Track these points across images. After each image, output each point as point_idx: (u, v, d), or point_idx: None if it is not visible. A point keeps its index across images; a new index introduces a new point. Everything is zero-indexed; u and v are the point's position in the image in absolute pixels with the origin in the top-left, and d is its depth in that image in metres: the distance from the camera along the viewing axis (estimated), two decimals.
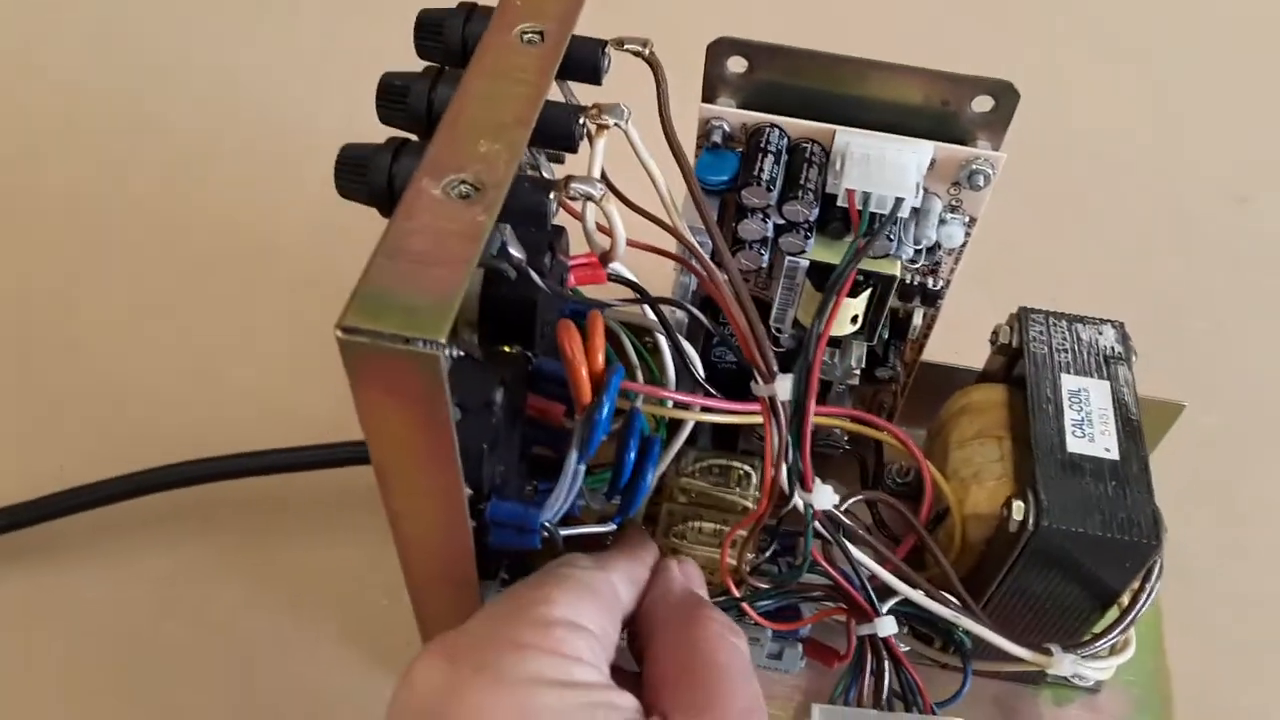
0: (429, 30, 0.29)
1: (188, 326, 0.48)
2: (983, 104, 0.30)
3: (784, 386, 0.26)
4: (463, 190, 0.23)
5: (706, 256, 0.27)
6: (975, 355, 0.39)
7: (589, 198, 0.25)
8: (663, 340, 0.33)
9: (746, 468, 0.35)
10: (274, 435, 0.41)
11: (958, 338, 0.39)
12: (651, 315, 0.32)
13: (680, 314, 0.37)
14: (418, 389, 0.21)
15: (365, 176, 0.25)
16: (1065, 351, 0.34)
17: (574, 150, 0.27)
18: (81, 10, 0.63)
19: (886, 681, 0.31)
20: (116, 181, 0.55)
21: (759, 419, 0.30)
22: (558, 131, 0.27)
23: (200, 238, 0.52)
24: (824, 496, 0.28)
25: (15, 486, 0.39)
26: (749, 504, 0.34)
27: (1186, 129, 0.62)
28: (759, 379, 0.27)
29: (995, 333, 0.35)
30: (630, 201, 0.28)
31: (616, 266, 0.30)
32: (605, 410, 0.26)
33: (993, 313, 0.37)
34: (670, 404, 0.30)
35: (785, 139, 0.31)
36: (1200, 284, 0.54)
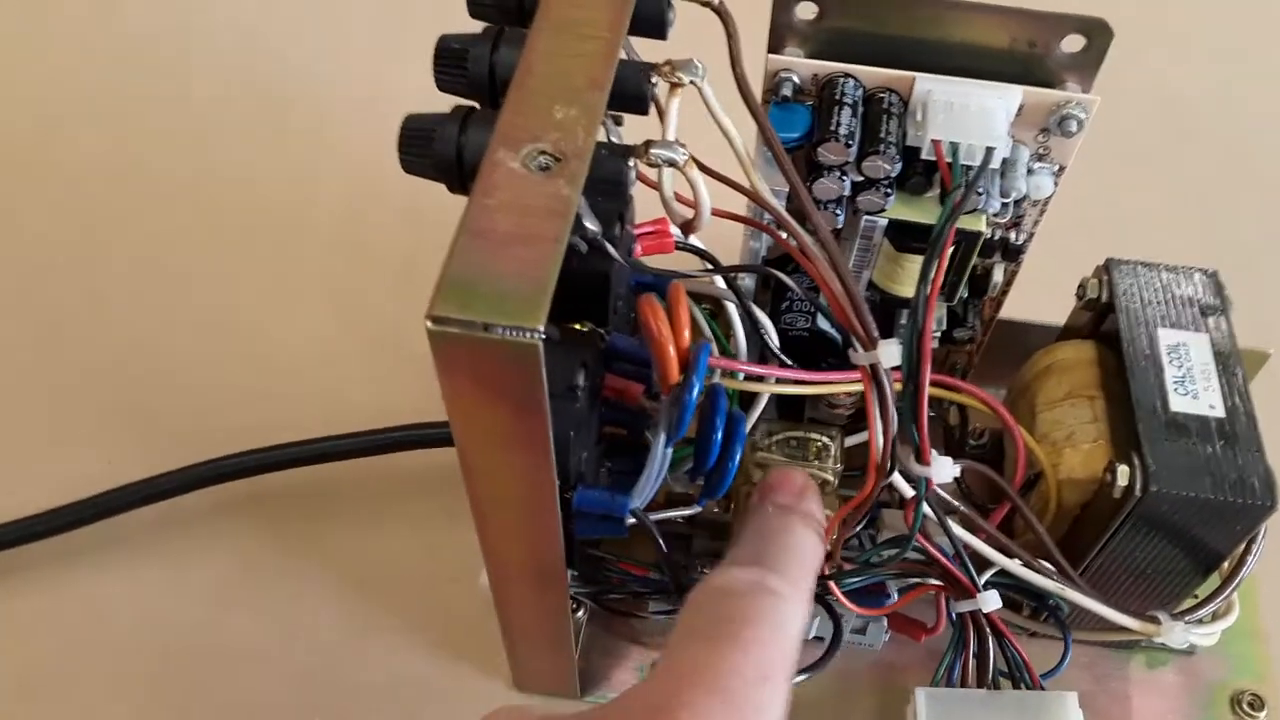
0: None
1: (221, 304, 0.47)
2: (1073, 44, 0.28)
3: (888, 353, 0.25)
4: (542, 161, 0.21)
5: (790, 219, 0.25)
6: (1045, 310, 0.37)
7: (672, 164, 0.24)
8: (732, 309, 0.31)
9: (824, 439, 0.33)
10: (318, 414, 0.40)
11: (1024, 292, 0.37)
12: (721, 284, 0.31)
13: (748, 281, 0.35)
14: (513, 379, 0.20)
15: (431, 148, 0.24)
16: (1159, 304, 0.32)
17: (644, 112, 0.26)
18: None
19: (991, 659, 0.30)
20: (138, 156, 0.52)
21: (840, 388, 0.29)
22: (629, 92, 0.25)
23: (228, 211, 0.50)
24: (943, 469, 0.26)
25: (64, 486, 0.38)
26: (829, 477, 0.33)
27: (1259, 66, 0.59)
28: (859, 345, 0.25)
29: (1082, 286, 0.33)
30: (704, 165, 0.26)
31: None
32: (695, 390, 0.25)
33: (1059, 265, 0.35)
34: (743, 377, 0.28)
35: (860, 89, 0.29)
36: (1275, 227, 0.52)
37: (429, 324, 0.19)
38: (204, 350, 0.45)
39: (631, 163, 0.23)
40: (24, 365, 0.45)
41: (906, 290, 0.33)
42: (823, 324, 0.34)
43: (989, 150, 0.28)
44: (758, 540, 0.26)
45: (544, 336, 0.19)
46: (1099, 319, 0.34)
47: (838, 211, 0.30)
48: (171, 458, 0.38)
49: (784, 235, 0.26)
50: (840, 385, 0.29)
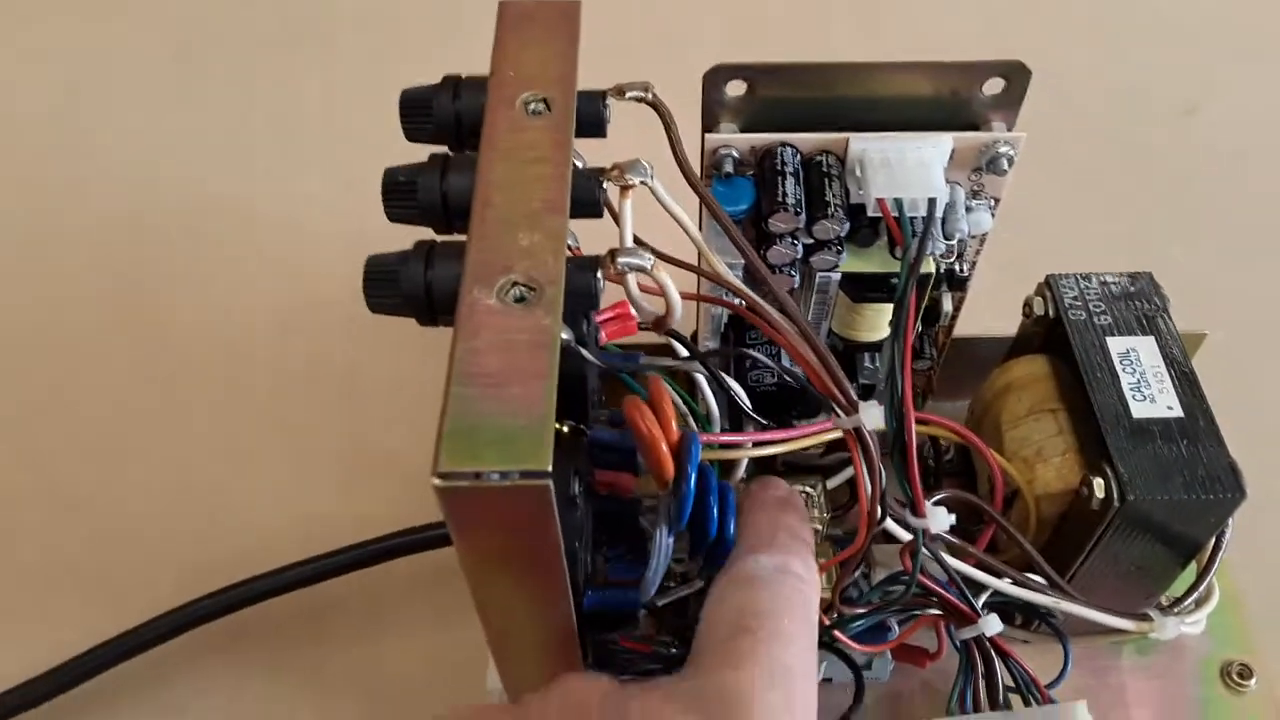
0: (416, 111, 0.27)
1: (172, 447, 0.45)
2: (994, 86, 0.29)
3: (869, 415, 0.25)
4: (518, 293, 0.22)
5: (762, 301, 0.26)
6: (987, 312, 0.38)
7: (639, 270, 0.24)
8: (704, 380, 0.32)
9: (806, 488, 0.34)
10: (291, 539, 0.39)
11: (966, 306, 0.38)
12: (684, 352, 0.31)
13: (711, 341, 0.36)
14: (526, 520, 0.20)
15: (398, 288, 0.24)
16: (1104, 314, 0.33)
17: (599, 217, 0.26)
18: None
19: (1000, 680, 0.31)
20: (55, 314, 0.50)
21: (818, 439, 0.30)
22: (581, 200, 0.25)
23: (158, 351, 0.49)
24: (939, 519, 0.27)
25: (40, 655, 0.37)
26: (817, 527, 0.33)
27: (1124, 47, 0.62)
28: (840, 412, 0.26)
29: (1028, 305, 0.35)
30: (664, 255, 0.27)
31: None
32: (692, 481, 0.25)
33: (996, 275, 0.36)
34: (749, 444, 0.29)
35: (798, 155, 0.30)
36: (1160, 203, 0.54)
37: (437, 481, 0.19)
38: (164, 497, 0.44)
39: (599, 274, 0.24)
40: None
41: (866, 335, 0.34)
42: (786, 375, 0.35)
43: (932, 201, 0.29)
44: (761, 530, 0.27)
45: (552, 475, 0.19)
46: (1047, 331, 0.35)
47: (793, 273, 0.31)
48: (146, 606, 0.37)
49: (758, 316, 0.27)
50: (817, 437, 0.30)
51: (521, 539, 0.21)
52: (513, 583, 0.22)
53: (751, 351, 0.30)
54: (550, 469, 0.19)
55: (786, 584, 0.25)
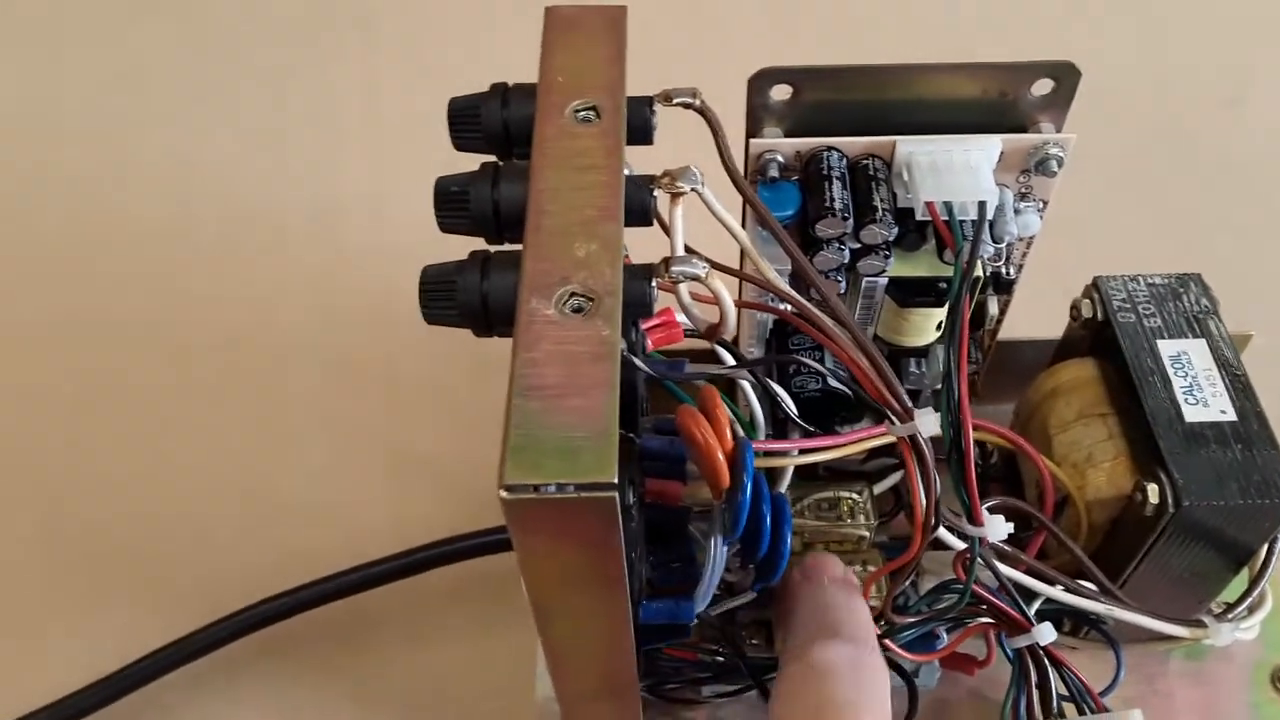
0: (465, 119, 0.27)
1: (213, 451, 0.45)
2: (1042, 87, 0.29)
3: (925, 422, 0.25)
4: (576, 304, 0.22)
5: (813, 308, 0.26)
6: (1032, 315, 0.38)
7: (694, 278, 0.24)
8: (749, 387, 0.32)
9: (853, 495, 0.34)
10: (332, 543, 0.39)
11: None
12: (730, 359, 0.31)
13: (756, 350, 0.36)
14: (591, 531, 0.20)
15: (455, 299, 0.24)
16: (1153, 316, 0.33)
17: (649, 224, 0.26)
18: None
19: (1053, 690, 0.30)
20: (96, 309, 0.51)
21: (864, 446, 0.29)
22: (632, 208, 0.25)
23: (196, 353, 0.49)
24: (997, 528, 0.27)
25: (88, 662, 0.37)
26: (864, 533, 0.33)
27: (1159, 37, 0.61)
28: (895, 419, 0.26)
29: (1075, 307, 0.34)
30: (718, 264, 0.27)
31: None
32: (748, 490, 0.25)
33: (1037, 275, 0.36)
34: (795, 451, 0.29)
35: (844, 160, 0.30)
36: (1205, 198, 0.53)
37: (503, 494, 0.19)
38: (203, 502, 0.44)
39: (653, 283, 0.24)
40: (24, 540, 0.43)
41: (912, 340, 0.33)
42: (833, 382, 0.34)
43: (982, 204, 0.28)
44: (829, 612, 0.28)
45: (618, 487, 0.19)
46: (1094, 334, 0.35)
47: (840, 278, 0.31)
48: (191, 616, 0.38)
49: (808, 323, 0.26)
50: (866, 443, 0.29)
51: (586, 550, 0.21)
52: (576, 593, 0.22)
53: (801, 357, 0.30)
54: (616, 480, 0.19)
55: (863, 675, 0.25)
